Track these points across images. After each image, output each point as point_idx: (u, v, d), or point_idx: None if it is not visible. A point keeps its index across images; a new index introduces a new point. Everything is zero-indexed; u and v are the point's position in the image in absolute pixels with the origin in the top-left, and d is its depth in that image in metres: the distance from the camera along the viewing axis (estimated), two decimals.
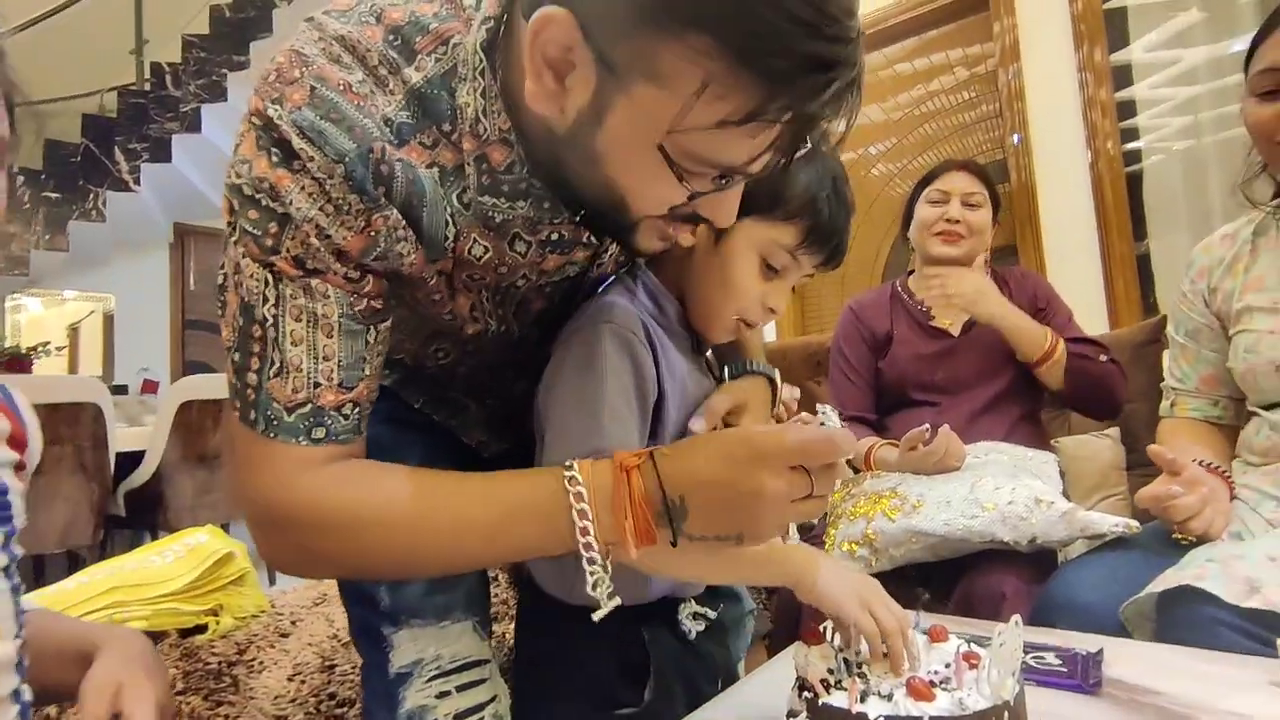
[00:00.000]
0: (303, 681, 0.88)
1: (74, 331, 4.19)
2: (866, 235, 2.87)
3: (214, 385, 2.88)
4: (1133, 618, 0.82)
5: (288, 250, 0.52)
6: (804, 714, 0.49)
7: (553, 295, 0.67)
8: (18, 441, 0.54)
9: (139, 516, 2.85)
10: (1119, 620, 0.83)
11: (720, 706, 0.64)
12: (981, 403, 1.31)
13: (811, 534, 1.18)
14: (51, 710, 0.69)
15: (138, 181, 4.05)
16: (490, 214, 0.57)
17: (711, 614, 0.72)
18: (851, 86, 0.47)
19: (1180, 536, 0.90)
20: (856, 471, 1.31)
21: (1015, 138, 2.56)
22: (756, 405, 0.72)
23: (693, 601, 0.72)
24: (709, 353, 0.78)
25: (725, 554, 0.55)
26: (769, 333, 1.91)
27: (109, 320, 4.42)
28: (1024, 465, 1.16)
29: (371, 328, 0.56)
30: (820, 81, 0.45)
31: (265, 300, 0.53)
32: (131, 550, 2.80)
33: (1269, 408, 0.98)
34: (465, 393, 0.74)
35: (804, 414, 0.69)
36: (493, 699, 0.65)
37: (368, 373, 0.56)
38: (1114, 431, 1.47)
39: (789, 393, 0.79)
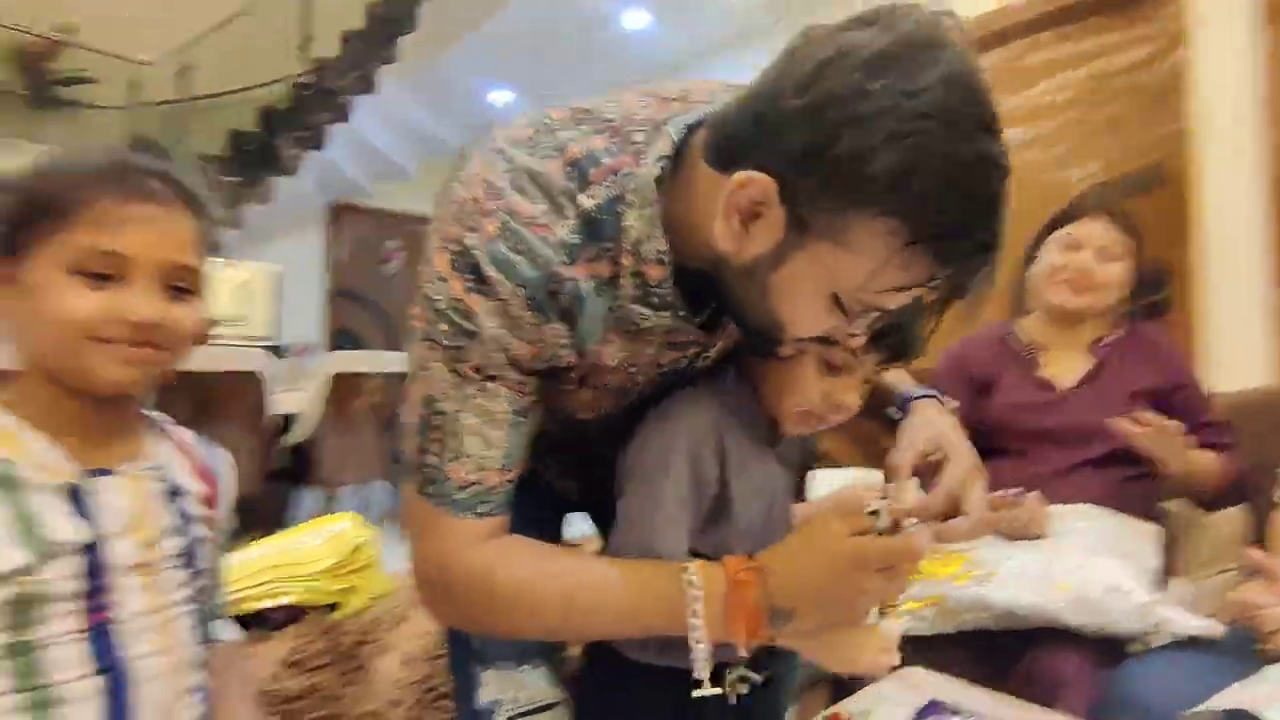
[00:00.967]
0: (414, 668, 1.05)
1: (248, 298, 4.77)
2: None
3: (361, 360, 3.23)
4: None
5: (473, 360, 0.62)
6: None
7: (659, 384, 0.75)
8: (210, 500, 0.70)
9: (296, 471, 3.27)
10: None
11: None
12: (1082, 459, 1.27)
13: None
14: None
15: (299, 167, 4.51)
16: (636, 321, 0.66)
17: (756, 677, 0.79)
18: (995, 249, 0.55)
19: (1265, 649, 0.87)
20: None
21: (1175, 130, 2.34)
22: (950, 430, 0.75)
23: (741, 666, 0.79)
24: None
25: None
26: None
27: (274, 289, 5.00)
28: (1117, 537, 1.12)
29: (528, 421, 0.67)
30: (984, 260, 0.54)
31: (449, 397, 0.63)
32: (288, 501, 3.23)
33: None
34: (562, 450, 0.84)
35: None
36: None
37: (521, 457, 0.67)
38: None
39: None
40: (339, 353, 3.27)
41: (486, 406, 0.63)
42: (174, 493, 0.67)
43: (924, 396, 0.80)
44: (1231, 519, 1.34)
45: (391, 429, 3.17)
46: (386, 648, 1.14)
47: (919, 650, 1.05)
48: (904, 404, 0.79)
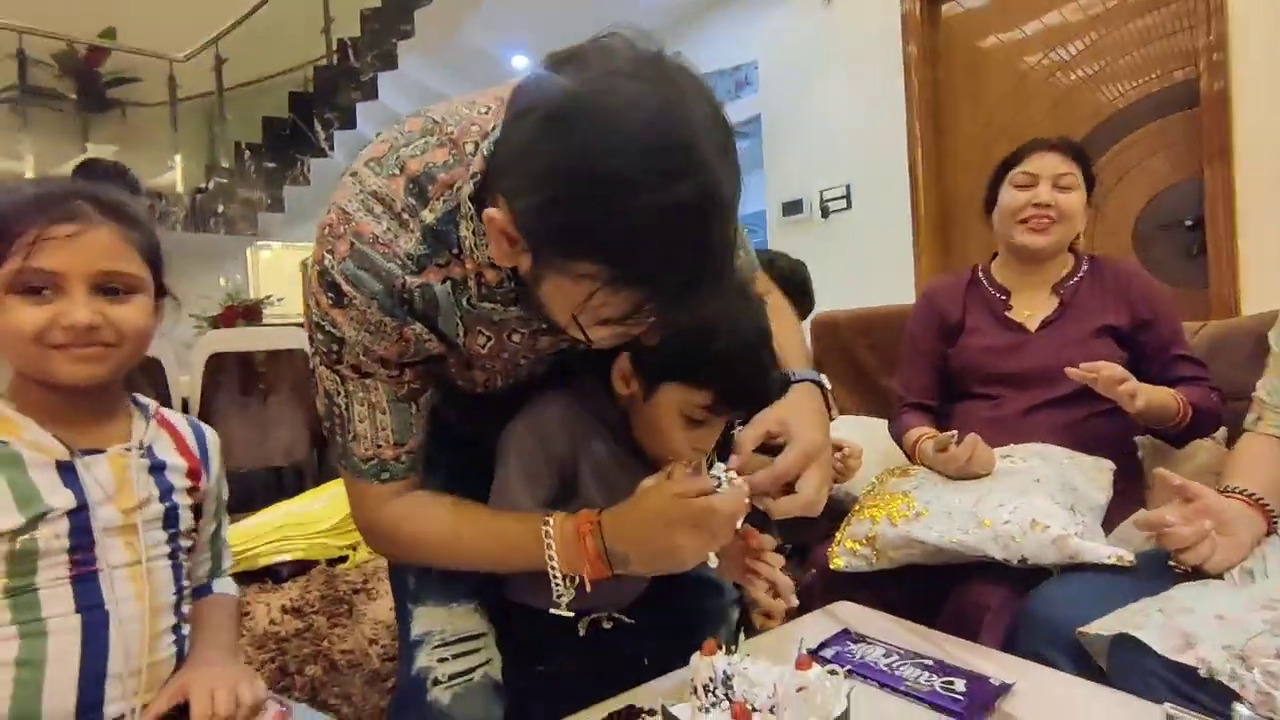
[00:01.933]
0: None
1: (291, 279, 5.01)
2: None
3: None
4: (1093, 642, 0.84)
5: (347, 361, 0.75)
6: (659, 715, 0.63)
7: (552, 362, 0.86)
8: (195, 473, 0.82)
9: None
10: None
11: (653, 686, 0.79)
12: (1046, 399, 1.27)
13: (828, 529, 1.25)
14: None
15: (332, 147, 4.66)
16: (490, 315, 0.75)
17: (626, 619, 0.92)
18: (707, 281, 0.61)
19: (1175, 565, 0.89)
20: (910, 458, 1.35)
21: (1209, 38, 2.22)
22: (803, 415, 0.82)
23: (611, 612, 0.92)
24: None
25: None
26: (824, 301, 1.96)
27: None
28: (1064, 474, 1.13)
29: (413, 403, 0.79)
30: (692, 292, 0.60)
31: (338, 392, 0.77)
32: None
33: None
34: (494, 414, 0.94)
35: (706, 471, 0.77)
36: (486, 662, 0.85)
37: (415, 431, 0.80)
38: (1220, 432, 1.35)
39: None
40: None
41: (368, 398, 0.76)
42: (156, 468, 0.79)
43: (805, 380, 0.86)
44: (1207, 449, 1.32)
45: None
46: (377, 595, 1.27)
47: (860, 586, 1.11)
48: (784, 387, 0.86)
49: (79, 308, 0.70)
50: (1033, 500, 1.02)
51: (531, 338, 0.79)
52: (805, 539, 1.40)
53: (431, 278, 0.72)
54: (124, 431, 0.78)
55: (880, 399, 1.94)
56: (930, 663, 0.81)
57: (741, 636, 0.73)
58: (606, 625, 0.93)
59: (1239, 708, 0.41)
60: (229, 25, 4.72)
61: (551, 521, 0.75)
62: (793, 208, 3.46)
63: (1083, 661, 0.83)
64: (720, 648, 0.69)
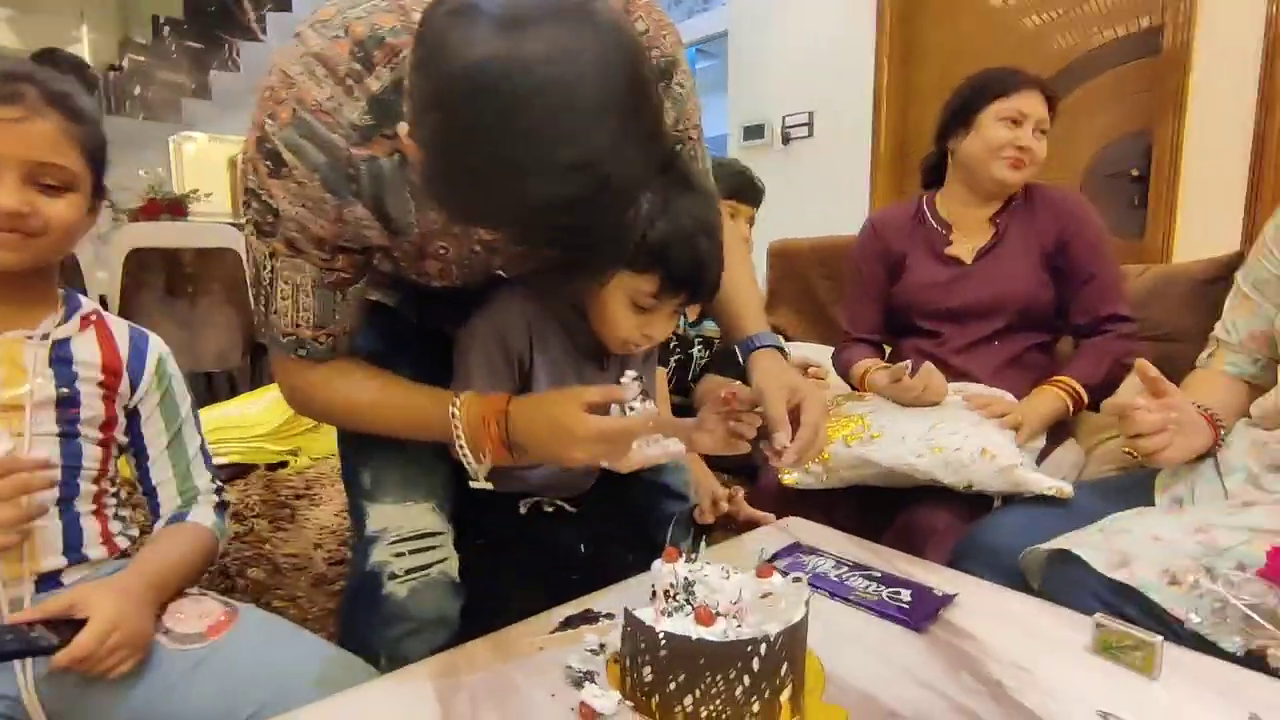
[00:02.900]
0: (343, 519, 1.14)
1: (219, 172, 4.66)
2: None
3: None
4: (1030, 567, 0.89)
5: (280, 234, 0.70)
6: (621, 620, 0.63)
7: (508, 256, 0.81)
8: (116, 371, 0.80)
9: None
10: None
11: (608, 591, 0.80)
12: (985, 334, 1.29)
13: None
14: None
15: (265, 31, 4.27)
16: None
17: (569, 508, 0.95)
18: (607, 246, 0.61)
19: (1129, 450, 0.92)
20: (854, 389, 1.37)
21: None
22: (799, 385, 0.83)
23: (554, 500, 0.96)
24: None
25: None
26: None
27: None
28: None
29: (339, 291, 0.75)
30: (584, 258, 0.62)
31: (265, 265, 0.72)
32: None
33: None
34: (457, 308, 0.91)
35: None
36: (442, 560, 0.85)
37: (338, 318, 0.77)
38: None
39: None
40: None
41: (294, 278, 0.73)
42: (62, 360, 0.77)
43: (767, 346, 0.87)
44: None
45: None
46: (321, 501, 1.23)
47: (810, 503, 1.13)
48: (748, 352, 0.88)
49: (8, 194, 0.68)
50: (984, 431, 1.06)
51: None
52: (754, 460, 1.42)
53: (378, 151, 0.67)
54: (29, 319, 0.76)
55: (834, 328, 1.96)
56: (878, 574, 0.84)
57: (702, 544, 0.74)
58: (548, 509, 0.96)
59: (1191, 615, 0.43)
60: None
61: (459, 401, 0.76)
62: (754, 132, 3.38)
63: (1020, 587, 0.87)
64: (680, 554, 0.70)
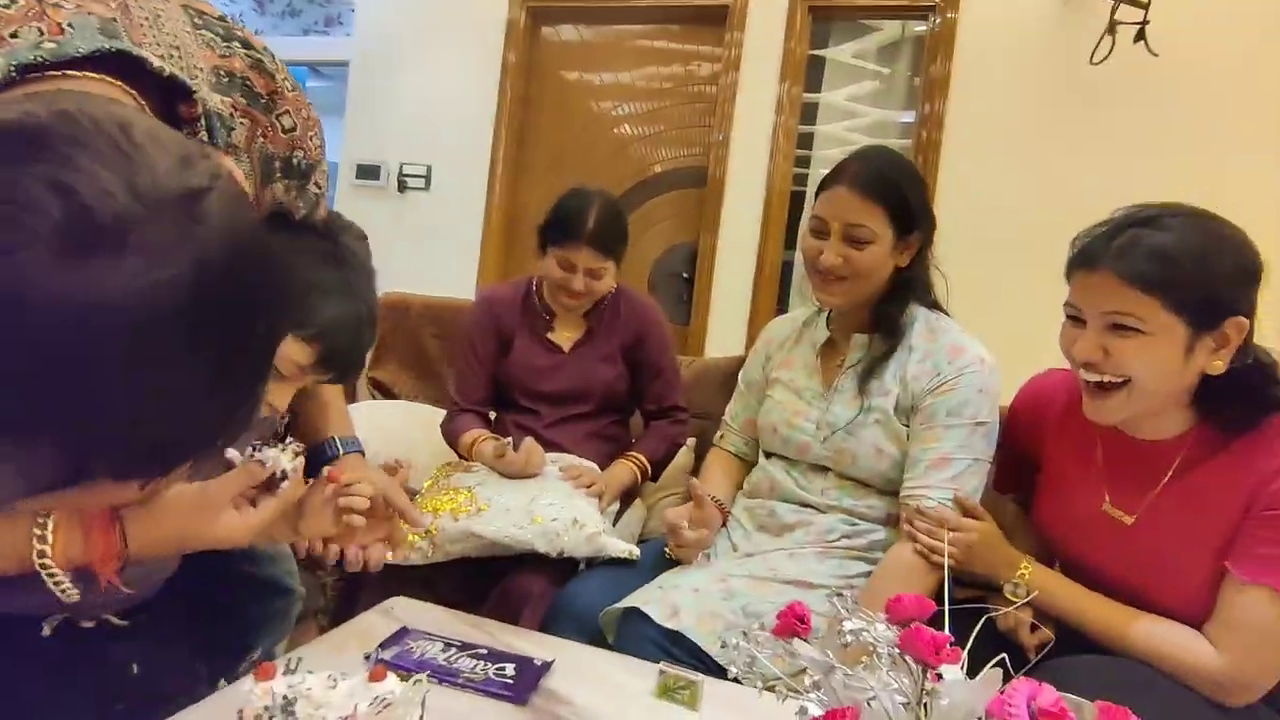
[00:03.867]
0: None
1: None
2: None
3: None
4: (608, 624, 1.04)
5: None
6: None
7: None
8: None
9: None
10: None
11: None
12: (575, 412, 1.49)
13: None
14: None
15: None
16: None
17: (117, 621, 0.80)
18: None
19: (670, 553, 1.16)
20: (462, 457, 1.42)
21: (719, 136, 2.88)
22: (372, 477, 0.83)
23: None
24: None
25: None
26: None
27: None
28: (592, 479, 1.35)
29: None
30: None
31: None
32: None
33: (768, 456, 1.27)
34: None
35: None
36: None
37: None
38: (692, 442, 1.79)
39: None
40: None
41: None
42: None
43: (355, 451, 0.90)
44: (683, 455, 1.73)
45: None
46: None
47: (414, 580, 1.12)
48: (334, 454, 0.88)
49: None
50: (575, 502, 1.20)
51: None
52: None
53: None
54: None
55: (441, 388, 1.98)
56: (484, 651, 0.88)
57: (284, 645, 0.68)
58: (86, 624, 0.78)
59: (731, 669, 0.57)
60: None
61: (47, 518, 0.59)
62: (369, 172, 3.27)
63: (602, 641, 1.00)
64: (277, 670, 0.63)
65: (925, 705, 0.48)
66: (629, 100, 3.19)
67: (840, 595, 0.56)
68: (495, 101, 3.14)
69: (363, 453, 0.89)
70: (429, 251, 3.13)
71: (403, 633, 0.90)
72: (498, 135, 3.15)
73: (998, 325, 1.49)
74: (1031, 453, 1.09)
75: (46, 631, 0.74)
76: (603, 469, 1.40)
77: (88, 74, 0.48)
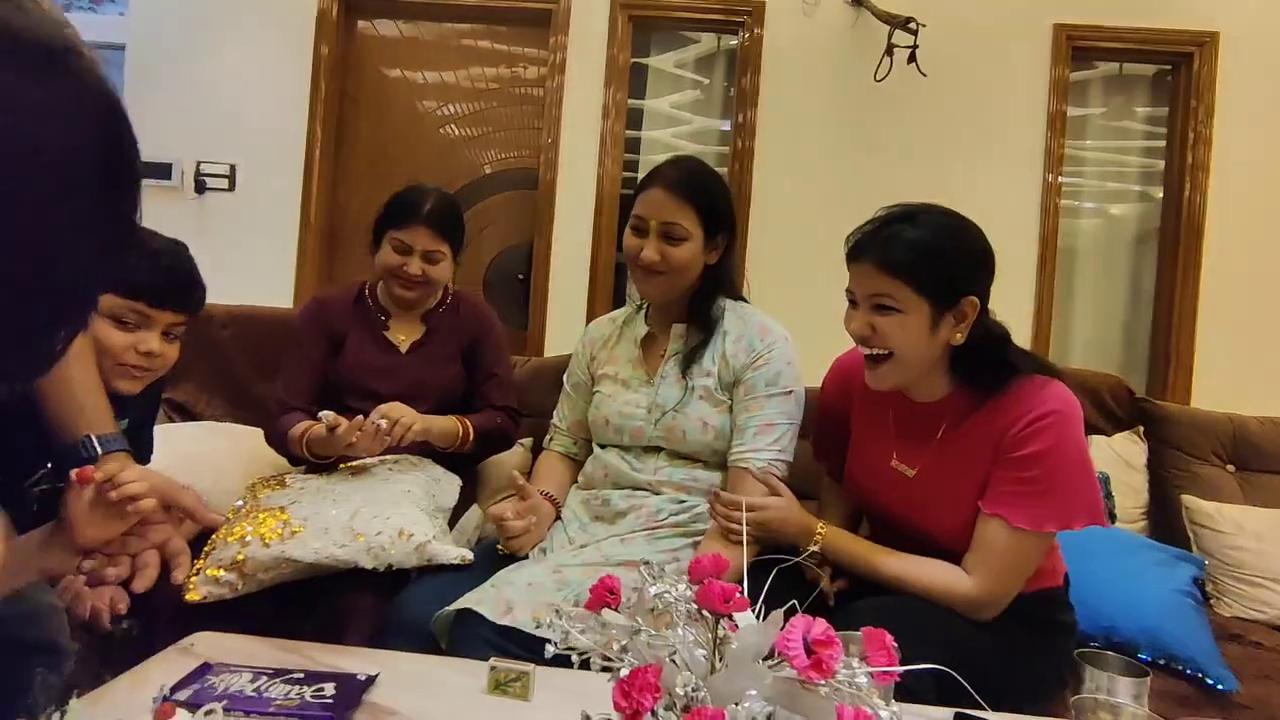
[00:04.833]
0: None
1: None
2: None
3: None
4: (440, 629, 1.01)
5: None
6: None
7: None
8: None
9: None
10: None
11: None
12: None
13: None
14: None
15: None
16: None
17: None
18: None
19: (502, 549, 1.16)
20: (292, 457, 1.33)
21: (549, 139, 2.89)
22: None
23: None
24: None
25: None
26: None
27: None
28: (427, 482, 1.31)
29: None
30: None
31: None
32: None
33: (602, 448, 1.31)
34: None
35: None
36: None
37: None
38: (528, 441, 1.78)
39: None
40: None
41: None
42: None
43: (119, 450, 0.80)
44: (516, 455, 1.72)
45: None
46: None
47: (219, 614, 1.02)
48: (91, 456, 0.78)
49: None
50: (402, 509, 1.15)
51: None
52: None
53: None
54: None
55: (254, 408, 1.82)
56: (300, 675, 0.82)
57: (74, 699, 0.60)
58: None
59: (549, 648, 0.58)
60: None
61: None
62: (160, 171, 2.93)
63: (436, 650, 0.98)
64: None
65: (719, 652, 0.52)
66: (455, 100, 3.12)
67: (647, 563, 0.60)
68: (308, 97, 2.94)
69: (129, 451, 0.79)
70: (235, 258, 2.86)
71: (204, 669, 0.82)
72: (312, 133, 2.95)
73: (803, 312, 1.65)
74: (844, 421, 1.23)
75: None
76: (437, 473, 1.36)
77: None
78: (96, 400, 0.79)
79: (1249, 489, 1.84)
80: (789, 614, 0.52)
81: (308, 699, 0.77)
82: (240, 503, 1.20)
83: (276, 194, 2.94)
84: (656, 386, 1.24)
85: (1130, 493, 1.86)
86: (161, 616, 1.02)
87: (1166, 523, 1.82)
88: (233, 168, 2.97)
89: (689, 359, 1.22)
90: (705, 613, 0.53)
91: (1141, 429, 1.96)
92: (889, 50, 2.35)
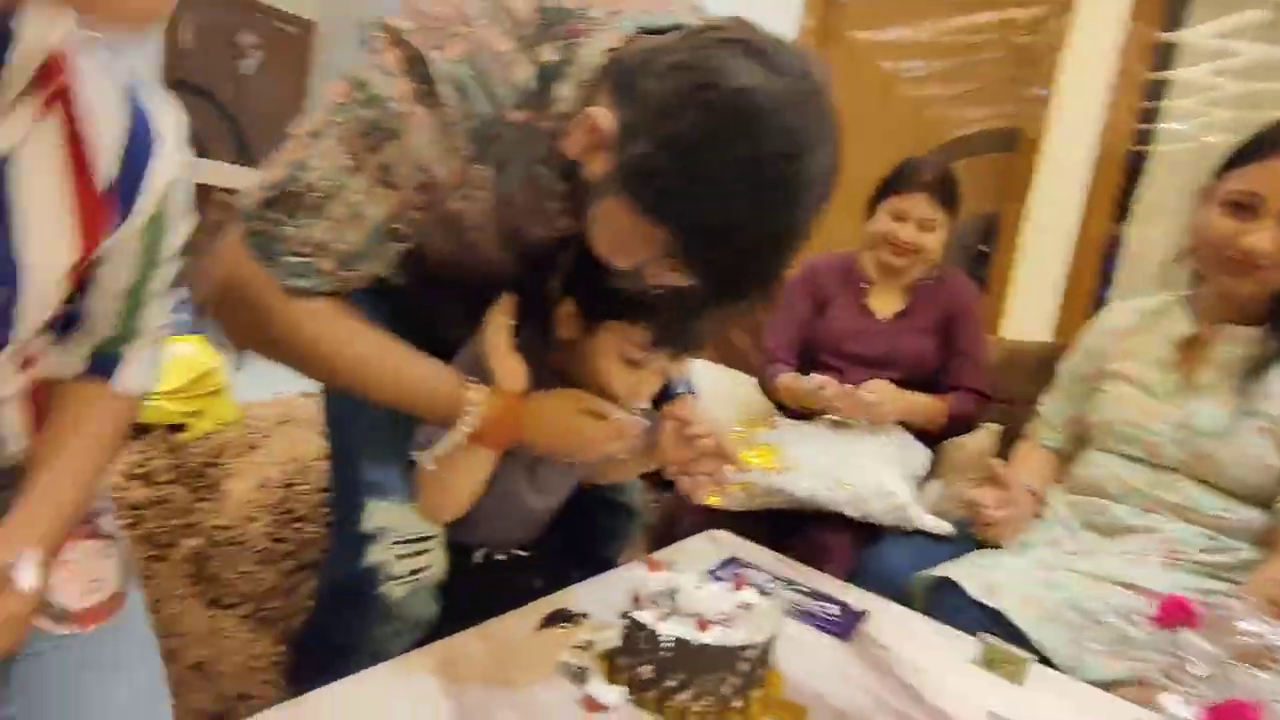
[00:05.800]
0: (270, 492, 1.09)
1: None
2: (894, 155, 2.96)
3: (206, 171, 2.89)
4: (917, 589, 1.07)
5: (380, 158, 0.63)
6: (625, 622, 0.70)
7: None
8: None
9: None
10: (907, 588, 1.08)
11: (576, 592, 0.86)
12: (886, 380, 1.49)
13: None
14: None
15: None
16: (542, 181, 0.70)
17: (522, 553, 0.98)
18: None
19: (978, 535, 1.14)
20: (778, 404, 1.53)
21: (1042, 91, 2.54)
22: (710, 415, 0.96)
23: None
24: None
25: None
26: None
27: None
28: (899, 449, 1.37)
29: (388, 243, 0.69)
30: (729, 286, 0.66)
31: (327, 176, 0.63)
32: None
33: (1100, 451, 1.18)
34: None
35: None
36: (434, 564, 0.84)
37: (360, 270, 0.69)
38: (996, 426, 1.69)
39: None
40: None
41: (360, 206, 0.65)
42: None
43: (685, 391, 0.99)
44: (981, 439, 1.65)
45: None
46: (235, 473, 1.17)
47: (724, 521, 1.26)
48: (671, 395, 0.97)
49: None
50: (882, 469, 1.24)
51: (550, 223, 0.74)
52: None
53: (522, 120, 0.66)
54: None
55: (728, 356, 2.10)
56: (805, 589, 0.97)
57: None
58: (500, 557, 0.97)
59: (1059, 648, 0.58)
60: None
61: (473, 387, 0.75)
62: None
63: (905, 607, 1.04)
64: (663, 565, 0.78)
65: None
66: (923, 57, 2.97)
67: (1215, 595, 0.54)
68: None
69: (694, 393, 0.99)
70: None
71: (732, 560, 1.03)
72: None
73: None
74: None
75: (478, 558, 0.94)
76: (907, 440, 1.41)
77: None
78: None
79: None
80: None
81: (816, 611, 0.91)
82: (739, 436, 1.43)
83: None
84: (1191, 401, 1.05)
85: None
86: (688, 510, 1.30)
87: None
88: None
89: (1252, 372, 1.00)
90: None
91: None
92: None
